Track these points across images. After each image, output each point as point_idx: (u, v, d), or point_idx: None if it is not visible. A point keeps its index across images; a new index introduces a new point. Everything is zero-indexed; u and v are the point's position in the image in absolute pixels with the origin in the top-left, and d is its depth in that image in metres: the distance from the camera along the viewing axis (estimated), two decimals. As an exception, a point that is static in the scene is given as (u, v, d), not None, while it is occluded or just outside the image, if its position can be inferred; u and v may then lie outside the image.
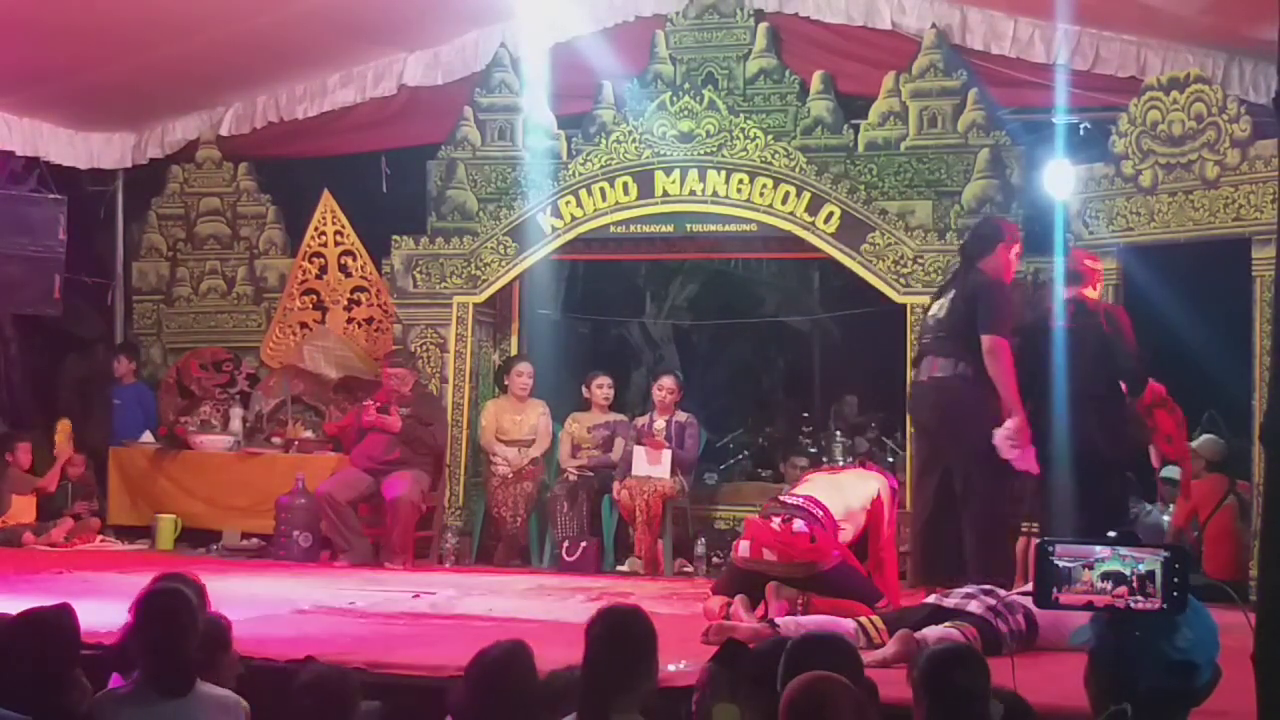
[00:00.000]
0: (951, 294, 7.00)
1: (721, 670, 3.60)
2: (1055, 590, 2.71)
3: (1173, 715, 2.55)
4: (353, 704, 3.72)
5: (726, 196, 8.78)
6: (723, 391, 10.83)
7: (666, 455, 8.55)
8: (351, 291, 10.02)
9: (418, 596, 7.09)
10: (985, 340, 6.70)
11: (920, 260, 8.36)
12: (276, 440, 9.73)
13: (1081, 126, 8.65)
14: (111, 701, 3.64)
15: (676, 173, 8.89)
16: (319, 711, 3.68)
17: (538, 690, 3.60)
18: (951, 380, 6.85)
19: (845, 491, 6.48)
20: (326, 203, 10.04)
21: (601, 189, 9.01)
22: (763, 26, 9.14)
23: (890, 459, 9.15)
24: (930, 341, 7.02)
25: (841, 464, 8.37)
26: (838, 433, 9.65)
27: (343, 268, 10.02)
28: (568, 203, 9.08)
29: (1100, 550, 2.70)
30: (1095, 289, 7.10)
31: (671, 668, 4.44)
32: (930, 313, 7.09)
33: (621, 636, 3.53)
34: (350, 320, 10.01)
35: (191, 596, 3.87)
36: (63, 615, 3.77)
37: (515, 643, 3.65)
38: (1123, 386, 6.85)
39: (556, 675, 3.68)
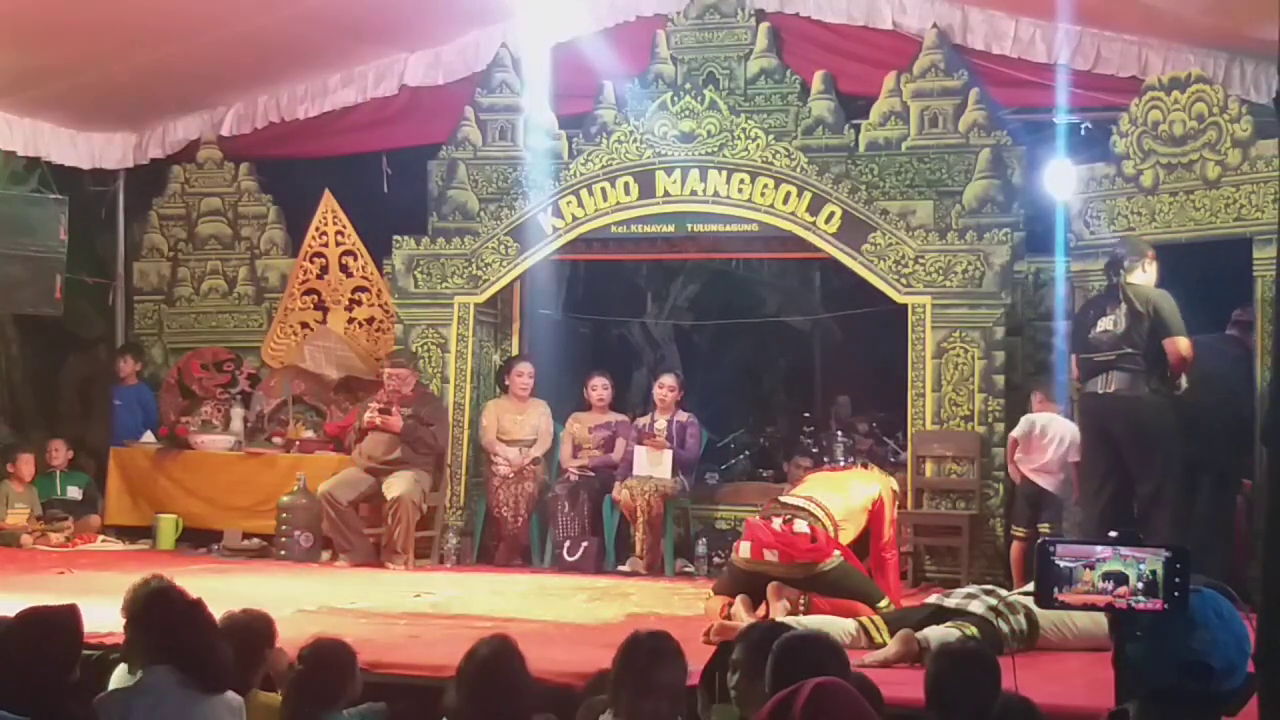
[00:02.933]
0: (1120, 309, 6.91)
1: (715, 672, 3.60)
2: (1056, 590, 2.71)
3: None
4: (350, 673, 3.86)
5: (728, 196, 8.77)
6: (724, 391, 10.81)
7: (667, 455, 8.55)
8: (353, 291, 10.02)
9: (418, 596, 7.10)
10: (1182, 343, 6.79)
11: (921, 260, 8.35)
12: (277, 440, 9.73)
13: (1083, 126, 8.65)
14: (118, 699, 3.64)
15: (678, 173, 8.89)
16: (319, 679, 3.77)
17: (528, 686, 3.60)
18: (1140, 394, 6.86)
19: (846, 491, 6.49)
20: (327, 203, 10.04)
21: (603, 189, 9.01)
22: (764, 26, 9.14)
23: (892, 459, 9.14)
24: (1113, 358, 6.93)
25: (843, 464, 8.36)
26: (839, 433, 9.64)
27: (344, 268, 10.02)
28: (569, 203, 9.07)
29: (1101, 550, 2.69)
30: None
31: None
32: (1100, 329, 6.96)
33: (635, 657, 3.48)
34: (351, 320, 10.01)
35: (193, 597, 3.86)
36: (66, 616, 3.74)
37: (502, 639, 3.65)
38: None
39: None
